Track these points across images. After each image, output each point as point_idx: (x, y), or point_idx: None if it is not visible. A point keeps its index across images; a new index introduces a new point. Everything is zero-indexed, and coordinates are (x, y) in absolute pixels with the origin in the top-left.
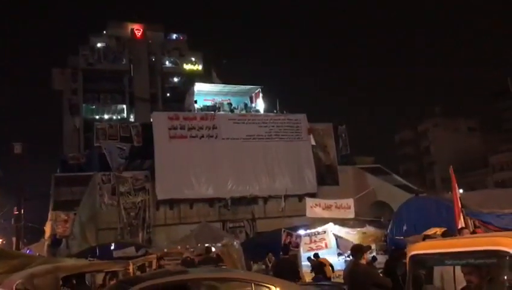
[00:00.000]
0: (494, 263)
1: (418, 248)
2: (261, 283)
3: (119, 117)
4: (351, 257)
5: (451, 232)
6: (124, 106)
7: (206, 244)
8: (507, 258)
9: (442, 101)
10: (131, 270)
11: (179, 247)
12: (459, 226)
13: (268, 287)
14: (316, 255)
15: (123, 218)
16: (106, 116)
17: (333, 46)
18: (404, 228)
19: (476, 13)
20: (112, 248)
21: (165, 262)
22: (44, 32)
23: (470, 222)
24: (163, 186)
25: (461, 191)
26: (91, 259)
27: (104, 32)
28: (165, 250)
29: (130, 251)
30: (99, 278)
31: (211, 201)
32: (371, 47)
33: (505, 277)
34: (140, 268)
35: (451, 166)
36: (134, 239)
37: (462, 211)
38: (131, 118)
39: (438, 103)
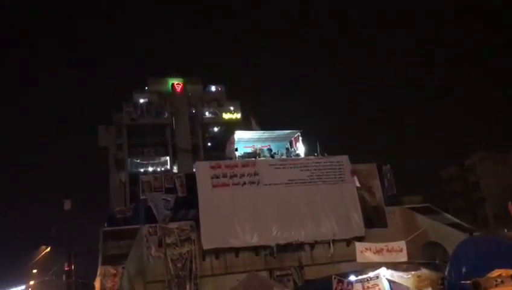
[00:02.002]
0: None
1: None
2: None
3: (162, 169)
4: None
5: None
6: (167, 158)
7: None
8: None
9: (488, 133)
10: None
11: None
12: None
13: None
14: None
15: (170, 270)
16: (150, 169)
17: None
18: (464, 270)
19: None
20: None
21: None
22: (89, 91)
23: None
24: (208, 236)
25: None
26: None
27: (146, 88)
28: None
29: None
30: None
31: (256, 249)
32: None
33: None
34: None
35: (510, 202)
36: None
37: None
38: (175, 169)
39: (484, 136)
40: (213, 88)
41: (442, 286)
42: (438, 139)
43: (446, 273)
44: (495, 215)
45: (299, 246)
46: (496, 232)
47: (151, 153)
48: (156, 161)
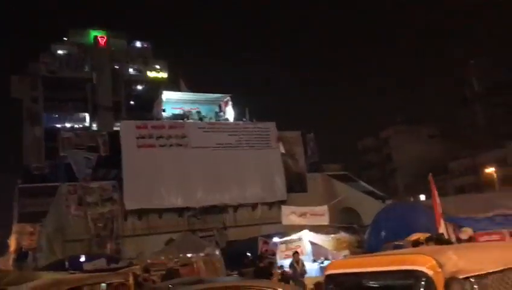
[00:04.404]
0: (411, 285)
1: (335, 267)
2: (269, 289)
3: (81, 126)
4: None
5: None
6: (87, 115)
7: (189, 254)
8: (423, 280)
9: (403, 108)
10: (131, 281)
11: (163, 257)
12: (440, 231)
13: None
14: None
15: (90, 229)
16: (68, 125)
17: (303, 54)
18: (383, 234)
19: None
20: (82, 260)
21: (145, 274)
22: (3, 37)
23: (449, 227)
24: (131, 196)
25: (423, 197)
26: (72, 272)
27: (66, 39)
28: (149, 261)
29: (101, 263)
30: None
31: (180, 211)
32: (340, 54)
33: None
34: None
35: (430, 173)
36: (103, 250)
37: (442, 217)
38: (94, 127)
39: (399, 110)
40: (139, 44)
41: (358, 248)
42: (359, 111)
43: (366, 237)
44: (405, 185)
45: (223, 208)
46: (404, 200)
47: (69, 108)
48: (74, 117)
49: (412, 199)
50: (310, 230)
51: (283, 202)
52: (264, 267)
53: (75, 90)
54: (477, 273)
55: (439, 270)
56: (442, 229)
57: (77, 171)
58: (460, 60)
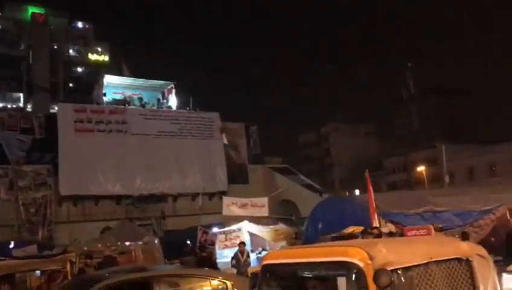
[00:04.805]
0: (343, 276)
1: (272, 257)
2: (217, 278)
3: (14, 106)
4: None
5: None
6: (21, 95)
7: (127, 243)
8: (354, 270)
9: (343, 106)
10: (68, 268)
11: (100, 245)
12: (374, 225)
13: (224, 282)
14: None
15: (21, 214)
16: (0, 105)
17: (249, 47)
18: (320, 226)
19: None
20: (11, 246)
21: (87, 260)
22: None
23: (382, 222)
24: (66, 182)
25: (358, 191)
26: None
27: (0, 14)
28: (85, 248)
29: (32, 249)
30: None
31: (118, 198)
32: (284, 50)
33: None
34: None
35: (367, 170)
36: (34, 237)
37: (376, 211)
38: (29, 108)
39: (340, 108)
40: (80, 24)
41: (295, 240)
42: (302, 106)
43: (304, 229)
44: (340, 180)
45: (162, 197)
46: (340, 194)
47: (2, 87)
48: (7, 96)
49: (347, 194)
50: (250, 221)
51: (224, 193)
52: (206, 256)
53: (9, 68)
54: (404, 266)
55: (370, 262)
56: (376, 223)
57: (9, 153)
58: (399, 62)
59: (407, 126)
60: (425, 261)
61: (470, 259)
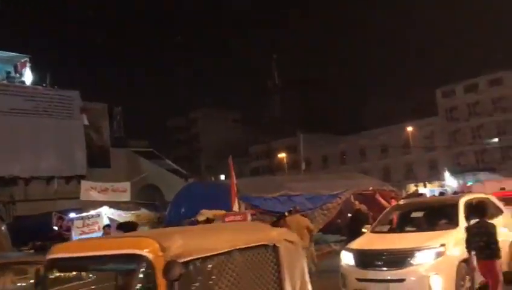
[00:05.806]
0: (131, 269)
1: (58, 251)
2: None
3: None
4: None
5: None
6: None
7: None
8: (143, 264)
9: (214, 92)
10: None
11: None
12: (234, 209)
13: None
14: None
15: None
16: None
17: (118, 25)
18: (182, 210)
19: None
20: None
21: None
22: None
23: (242, 205)
24: None
25: (223, 177)
26: None
27: None
28: None
29: None
30: None
31: None
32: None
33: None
34: None
35: (230, 156)
36: None
37: (237, 196)
38: None
39: (209, 93)
40: None
41: (158, 224)
42: (171, 90)
43: (167, 212)
44: (207, 165)
45: (12, 180)
46: (205, 179)
47: None
48: None
49: (213, 179)
50: (110, 206)
51: (83, 177)
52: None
53: None
54: (203, 255)
55: (161, 254)
56: (236, 207)
57: None
58: (267, 52)
59: (271, 115)
60: (228, 250)
61: (277, 245)
